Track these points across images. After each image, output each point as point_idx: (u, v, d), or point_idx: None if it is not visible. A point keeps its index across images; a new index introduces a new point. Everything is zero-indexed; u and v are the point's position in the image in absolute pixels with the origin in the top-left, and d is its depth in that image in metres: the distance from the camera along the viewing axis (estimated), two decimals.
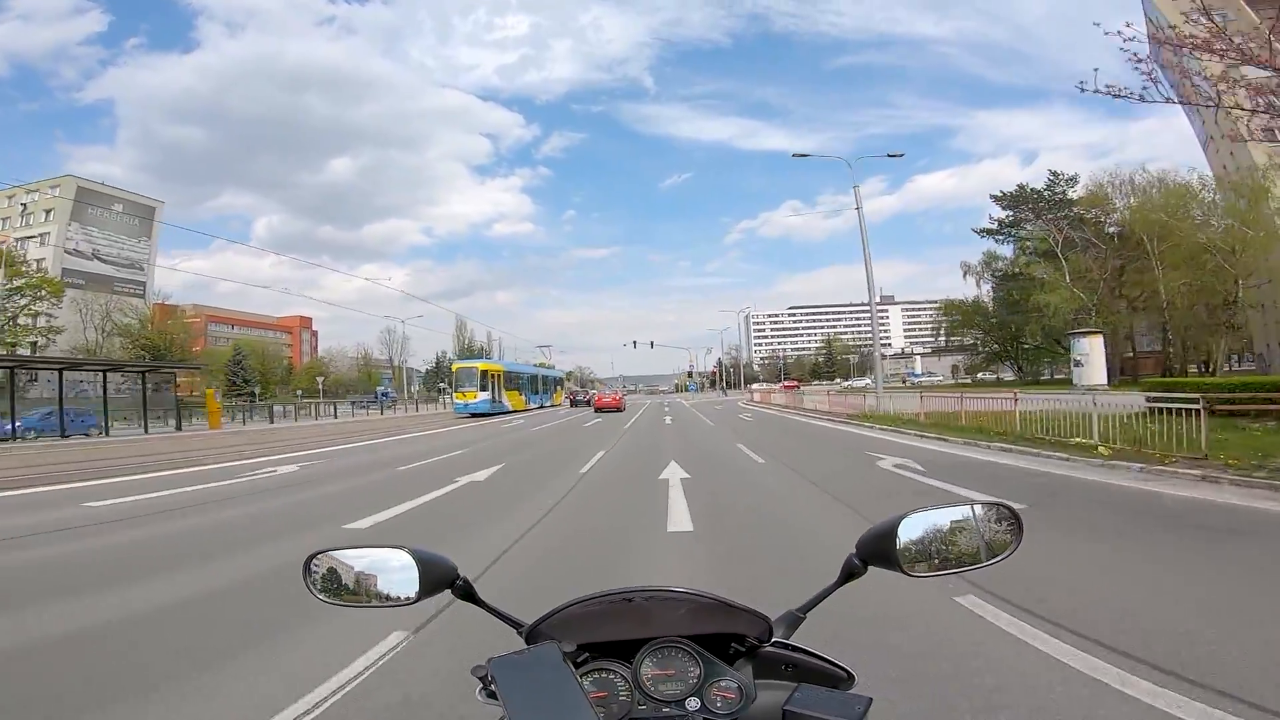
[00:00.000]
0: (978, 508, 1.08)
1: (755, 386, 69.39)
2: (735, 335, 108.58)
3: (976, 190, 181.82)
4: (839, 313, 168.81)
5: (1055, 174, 57.05)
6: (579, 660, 1.02)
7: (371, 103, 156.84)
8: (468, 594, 1.06)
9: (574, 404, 53.99)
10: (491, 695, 0.89)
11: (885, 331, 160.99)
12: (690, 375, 60.61)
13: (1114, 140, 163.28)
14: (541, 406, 50.81)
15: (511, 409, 43.54)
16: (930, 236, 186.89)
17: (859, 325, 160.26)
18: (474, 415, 38.94)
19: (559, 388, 60.34)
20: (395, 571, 1.03)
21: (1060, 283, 47.63)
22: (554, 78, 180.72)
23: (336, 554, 1.07)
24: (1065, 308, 46.30)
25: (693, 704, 0.97)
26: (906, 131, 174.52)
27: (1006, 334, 59.05)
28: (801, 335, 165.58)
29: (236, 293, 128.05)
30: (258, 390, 64.26)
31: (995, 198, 60.83)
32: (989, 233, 59.83)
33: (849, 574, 1.06)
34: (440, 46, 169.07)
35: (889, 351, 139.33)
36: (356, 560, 1.06)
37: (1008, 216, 57.77)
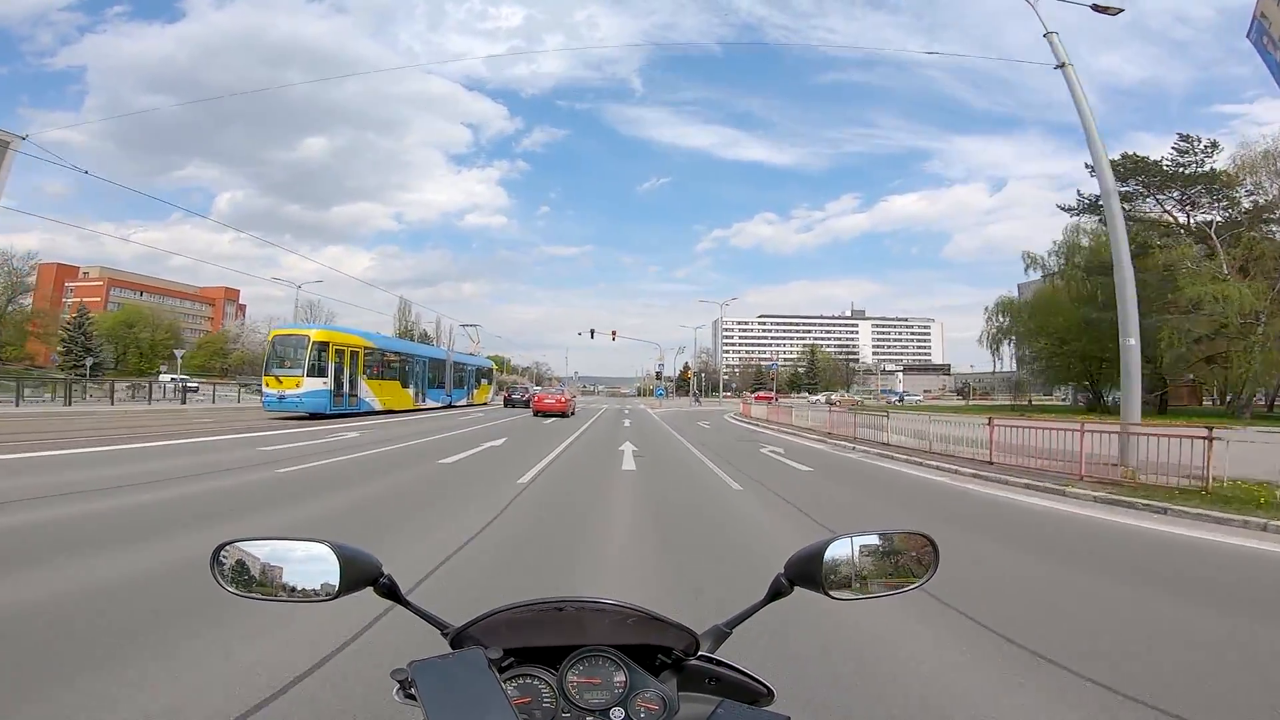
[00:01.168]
0: (898, 536, 1.09)
1: (749, 395, 59.01)
2: (704, 340, 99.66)
3: (944, 214, 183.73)
4: (809, 324, 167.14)
5: (1187, 138, 39.93)
6: (504, 665, 0.98)
7: (353, 83, 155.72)
8: (391, 593, 1.02)
9: (510, 403, 41.40)
10: (410, 698, 0.89)
11: (854, 347, 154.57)
12: (659, 377, 49.17)
13: (1080, 172, 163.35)
14: (450, 405, 37.06)
15: (381, 408, 28.75)
16: (897, 258, 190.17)
17: (831, 338, 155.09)
18: (311, 416, 23.63)
19: (486, 381, 46.89)
20: (314, 564, 0.98)
21: (1213, 274, 34.52)
22: (542, 72, 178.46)
23: (249, 544, 1.01)
24: (1236, 303, 32.56)
25: (617, 714, 0.95)
26: (884, 152, 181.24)
27: (1086, 344, 41.57)
28: (770, 345, 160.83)
29: (189, 268, 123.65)
30: (94, 363, 51.50)
31: (1091, 167, 46.09)
32: (1085, 209, 42.88)
33: (775, 593, 1.06)
34: (430, 32, 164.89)
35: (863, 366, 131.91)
36: (272, 552, 1.01)
37: (1092, 198, 39.27)
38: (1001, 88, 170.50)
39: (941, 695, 3.00)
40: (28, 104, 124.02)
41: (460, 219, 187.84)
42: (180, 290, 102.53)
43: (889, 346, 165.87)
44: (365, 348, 27.96)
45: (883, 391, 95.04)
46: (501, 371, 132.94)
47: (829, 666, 3.24)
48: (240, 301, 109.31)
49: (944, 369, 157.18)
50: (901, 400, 69.63)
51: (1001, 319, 49.81)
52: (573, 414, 34.39)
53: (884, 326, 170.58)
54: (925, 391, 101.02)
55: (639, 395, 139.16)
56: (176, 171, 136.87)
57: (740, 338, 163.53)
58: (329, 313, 70.21)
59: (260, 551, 1.01)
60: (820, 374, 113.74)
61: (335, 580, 0.97)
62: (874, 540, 1.07)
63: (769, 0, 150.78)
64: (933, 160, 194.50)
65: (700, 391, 57.13)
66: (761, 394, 73.72)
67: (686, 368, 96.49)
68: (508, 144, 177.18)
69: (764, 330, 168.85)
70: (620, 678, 0.98)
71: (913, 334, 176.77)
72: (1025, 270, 48.68)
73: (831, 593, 1.03)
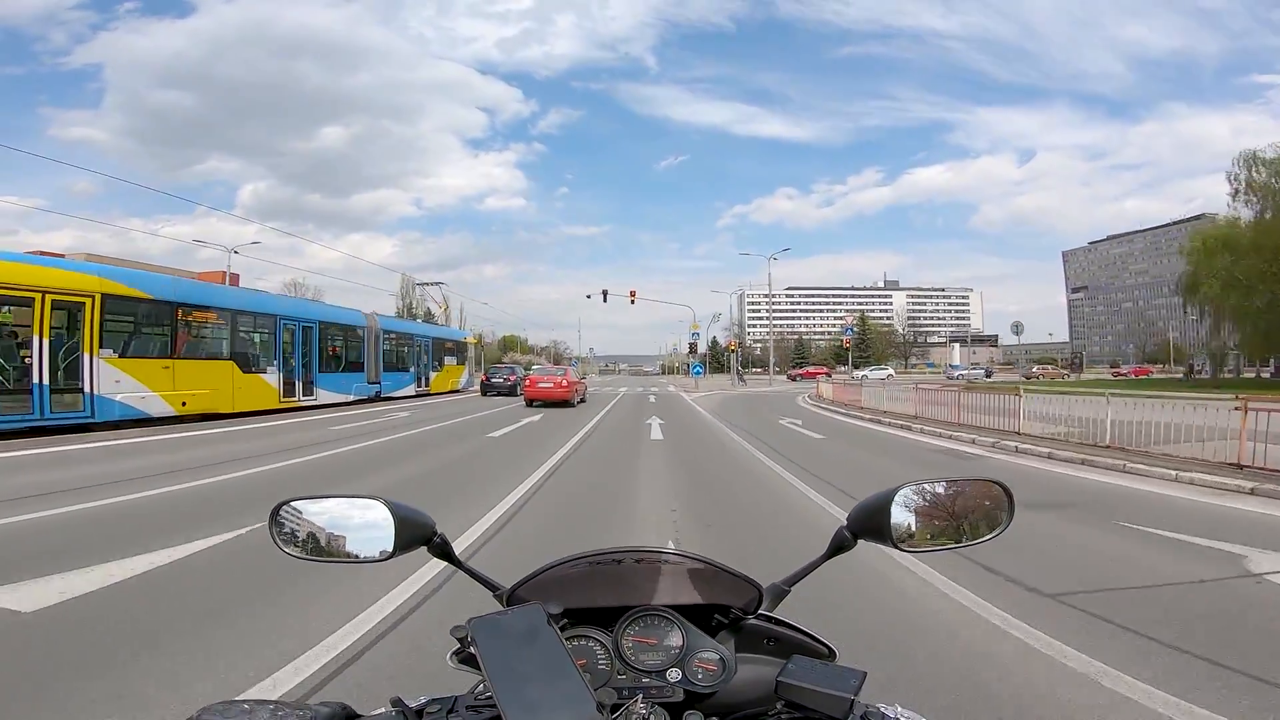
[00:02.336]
0: (971, 484, 1.04)
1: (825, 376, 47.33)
2: (728, 316, 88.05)
3: (970, 186, 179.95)
4: (840, 295, 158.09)
5: None
6: (560, 625, 0.91)
7: (366, 71, 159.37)
8: (444, 553, 1.00)
9: (489, 388, 29.24)
10: (465, 661, 0.89)
11: (889, 318, 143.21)
12: (693, 350, 37.45)
13: (1113, 142, 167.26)
14: (379, 397, 24.68)
15: (170, 408, 15.30)
16: (921, 230, 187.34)
17: (863, 310, 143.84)
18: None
19: (454, 360, 33.26)
20: (369, 526, 0.95)
21: None
22: (556, 53, 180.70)
23: (305, 504, 0.99)
24: None
25: (674, 675, 0.92)
26: (905, 124, 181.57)
27: None
28: (800, 319, 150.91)
29: (216, 259, 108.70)
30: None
31: None
32: None
33: (838, 546, 1.01)
34: (440, 17, 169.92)
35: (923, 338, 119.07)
36: (328, 511, 0.98)
37: None
38: (1024, 58, 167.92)
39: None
40: (47, 103, 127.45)
41: (479, 202, 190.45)
42: (175, 274, 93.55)
43: (925, 317, 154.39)
44: (106, 294, 13.87)
45: (951, 367, 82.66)
46: (515, 351, 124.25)
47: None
48: (241, 286, 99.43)
49: (992, 340, 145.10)
50: (988, 375, 57.24)
51: (1214, 257, 32.46)
52: (581, 402, 24.14)
53: (919, 297, 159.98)
54: (991, 364, 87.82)
55: (663, 373, 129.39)
56: (198, 165, 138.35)
57: (767, 312, 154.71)
58: (316, 289, 61.18)
59: (319, 511, 0.99)
60: (872, 346, 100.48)
61: (390, 539, 0.94)
62: (943, 489, 1.01)
63: None
64: (956, 132, 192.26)
65: (738, 368, 45.80)
66: (810, 369, 62.18)
67: (715, 343, 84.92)
68: (523, 127, 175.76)
69: (792, 304, 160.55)
70: (676, 638, 0.95)
71: (950, 304, 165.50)
72: (1233, 197, 34.07)
73: (900, 545, 0.97)
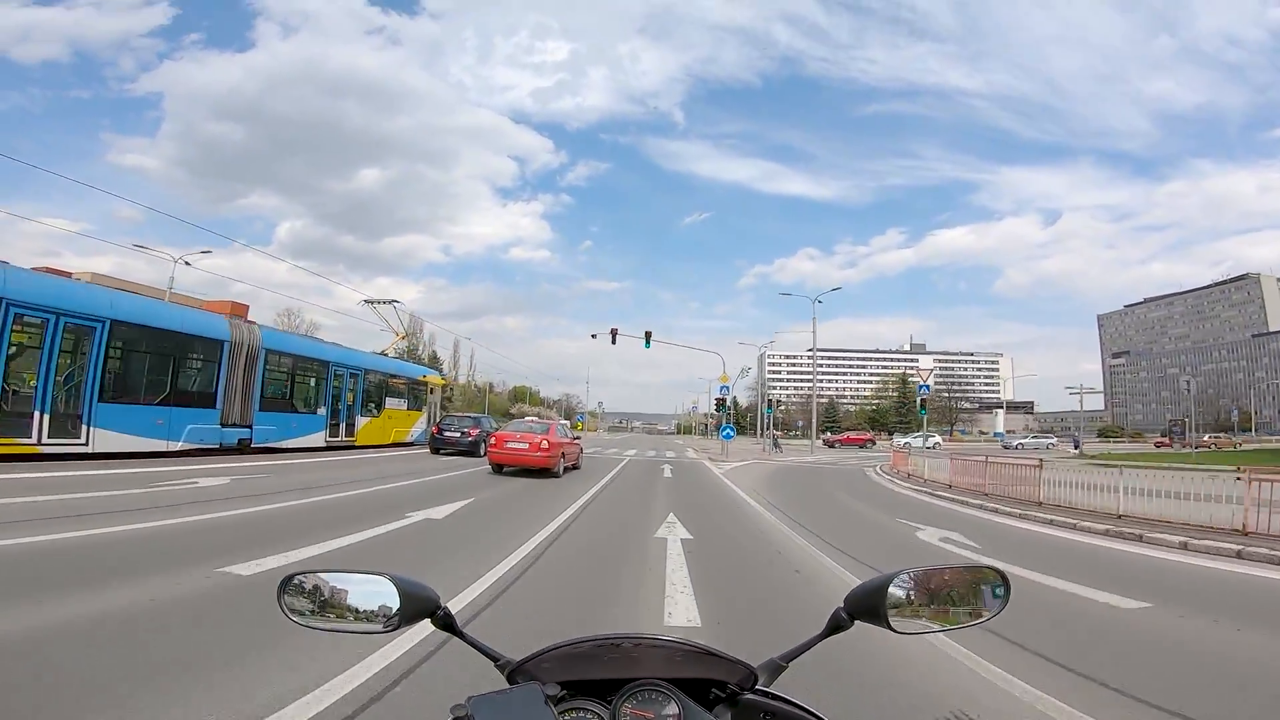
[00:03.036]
0: (966, 569, 1.06)
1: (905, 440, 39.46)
2: (747, 377, 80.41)
3: (994, 249, 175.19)
4: (865, 358, 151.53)
5: None
6: (557, 699, 0.95)
7: (406, 115, 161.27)
8: (448, 625, 1.02)
9: (440, 446, 21.19)
10: None
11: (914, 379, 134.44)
12: (721, 406, 29.21)
13: (1139, 202, 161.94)
14: (245, 447, 16.89)
15: None
16: (944, 294, 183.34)
17: (888, 373, 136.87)
18: None
19: (404, 404, 25.16)
20: (374, 597, 0.98)
21: None
22: (587, 105, 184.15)
23: (315, 576, 1.01)
24: None
25: None
26: (928, 184, 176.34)
27: None
28: (823, 383, 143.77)
29: (249, 294, 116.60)
30: None
31: None
32: None
33: (835, 626, 1.02)
34: (479, 65, 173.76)
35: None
36: (334, 583, 1.01)
37: None
38: (1049, 115, 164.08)
39: None
40: (109, 128, 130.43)
41: (505, 252, 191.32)
42: (183, 304, 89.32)
43: (953, 383, 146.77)
44: None
45: (998, 435, 73.59)
46: (524, 402, 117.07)
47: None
48: (249, 319, 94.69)
49: (1027, 406, 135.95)
50: (1076, 448, 48.21)
51: None
52: (570, 469, 17.50)
53: (947, 361, 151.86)
54: (1031, 430, 78.23)
55: (678, 433, 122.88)
56: (241, 200, 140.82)
57: (789, 373, 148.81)
58: (310, 323, 54.56)
59: (326, 582, 1.01)
60: (913, 411, 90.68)
61: (395, 611, 0.97)
62: (940, 573, 1.04)
63: (808, 33, 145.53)
64: (980, 192, 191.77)
65: (774, 431, 37.56)
66: (851, 435, 53.66)
67: (736, 404, 76.36)
68: (552, 177, 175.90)
69: (800, 371, 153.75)
70: (673, 712, 0.95)
71: (979, 369, 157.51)
72: None
73: (895, 626, 0.98)
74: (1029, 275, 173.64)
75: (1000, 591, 1.03)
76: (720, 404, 31.24)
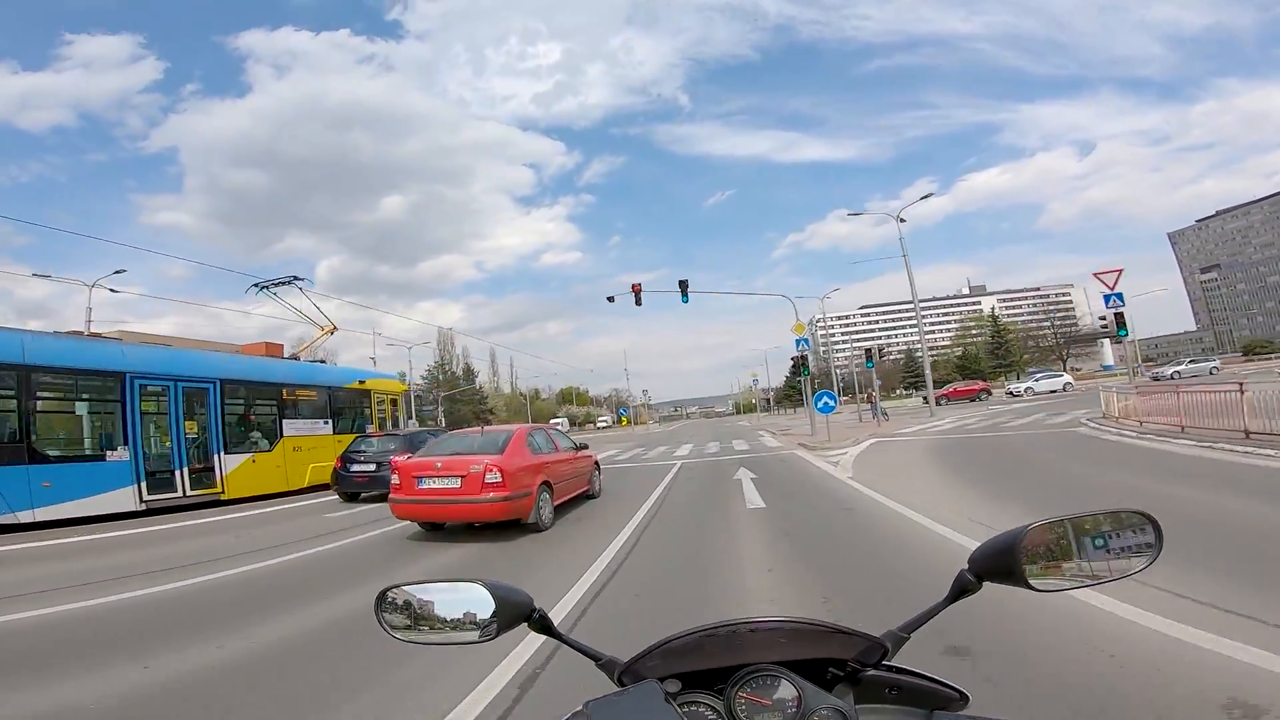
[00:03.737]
0: (1108, 516, 0.96)
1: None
2: (788, 347, 70.15)
3: (1032, 186, 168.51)
4: (922, 308, 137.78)
5: None
6: (671, 693, 0.91)
7: (414, 138, 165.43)
8: (545, 628, 1.00)
9: (347, 487, 12.62)
10: None
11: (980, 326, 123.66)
12: (802, 365, 19.53)
13: (1174, 125, 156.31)
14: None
15: None
16: (987, 237, 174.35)
17: (950, 321, 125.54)
18: None
19: (329, 425, 16.36)
20: (470, 606, 0.97)
21: None
22: (590, 103, 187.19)
23: (410, 589, 1.00)
24: None
25: None
26: (947, 131, 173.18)
27: None
28: (879, 337, 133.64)
29: (306, 335, 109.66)
30: None
31: None
32: None
33: (961, 590, 0.95)
34: (475, 79, 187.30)
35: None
36: (431, 595, 0.99)
37: None
38: (1057, 50, 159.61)
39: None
40: (136, 189, 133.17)
41: (536, 260, 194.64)
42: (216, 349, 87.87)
43: (1022, 323, 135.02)
44: None
45: (1104, 368, 61.51)
46: (571, 404, 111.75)
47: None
48: (286, 355, 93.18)
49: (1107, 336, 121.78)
50: (1215, 371, 37.01)
51: None
52: (591, 492, 10.48)
53: (1013, 300, 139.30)
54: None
55: (737, 412, 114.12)
56: (278, 244, 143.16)
57: (843, 334, 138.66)
58: (329, 350, 47.31)
59: (423, 595, 0.99)
60: (1013, 351, 78.17)
61: (492, 619, 0.96)
62: (1079, 523, 0.94)
63: None
64: (1005, 132, 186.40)
65: (874, 394, 28.03)
66: (959, 388, 43.54)
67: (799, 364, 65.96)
68: (569, 179, 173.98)
69: (870, 322, 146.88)
70: (791, 695, 0.90)
71: (1050, 305, 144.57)
72: None
73: (1033, 584, 0.90)
74: (1074, 207, 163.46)
75: (1150, 539, 0.93)
76: (799, 365, 22.01)
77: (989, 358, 76.32)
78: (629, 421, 69.25)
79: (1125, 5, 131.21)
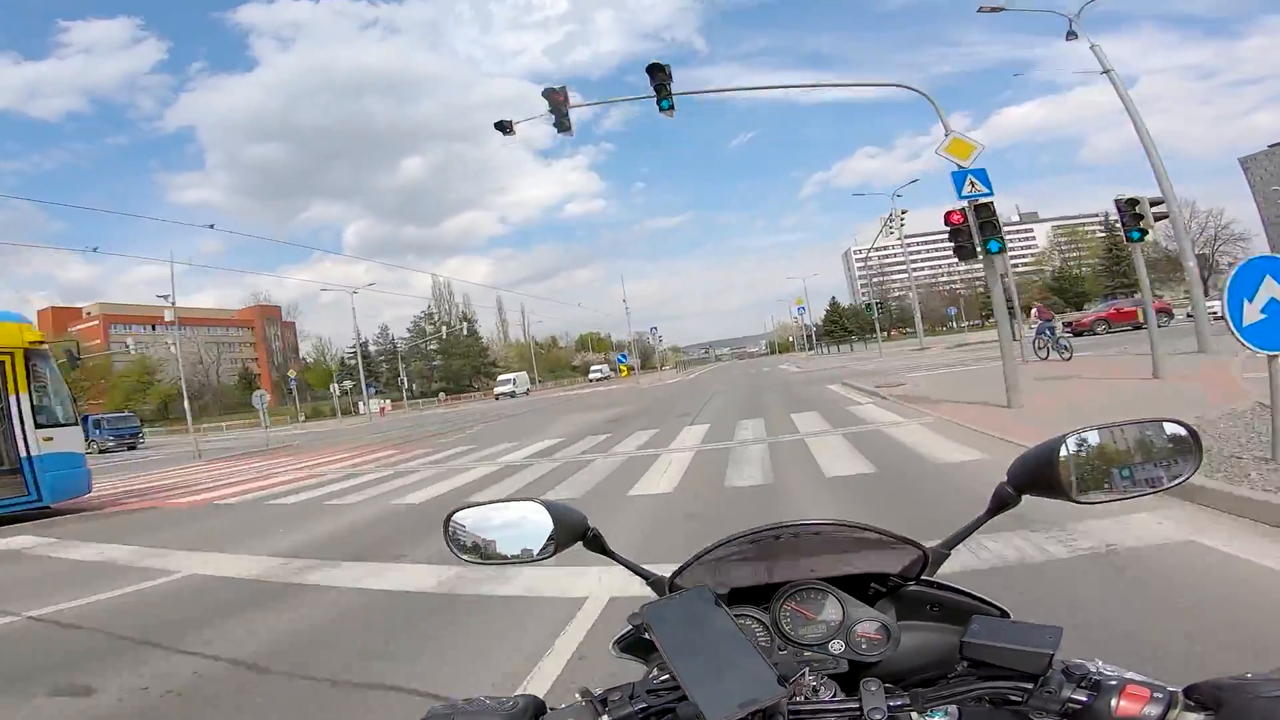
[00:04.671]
0: (1149, 427, 0.91)
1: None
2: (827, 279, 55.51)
3: (1071, 119, 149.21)
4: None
5: None
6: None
7: (427, 99, 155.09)
8: (601, 547, 1.01)
9: None
10: (627, 649, 0.94)
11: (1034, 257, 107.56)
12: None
13: (1221, 60, 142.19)
14: None
15: None
16: (1024, 170, 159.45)
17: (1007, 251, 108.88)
18: None
19: None
20: (530, 525, 0.99)
21: None
22: (603, 51, 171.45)
23: (472, 512, 1.03)
24: None
25: (836, 647, 0.88)
26: (980, 67, 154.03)
27: None
28: (923, 270, 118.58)
29: (338, 302, 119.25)
30: None
31: None
32: None
33: (1001, 504, 0.92)
34: (484, 35, 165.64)
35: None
36: (492, 516, 1.02)
37: None
38: None
39: None
40: (159, 168, 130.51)
41: (560, 210, 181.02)
42: (207, 318, 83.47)
43: (1080, 251, 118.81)
44: None
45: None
46: (589, 350, 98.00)
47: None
48: (287, 318, 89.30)
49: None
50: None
51: None
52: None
53: (1069, 226, 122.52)
54: None
55: (771, 352, 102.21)
56: (304, 213, 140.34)
57: (886, 267, 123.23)
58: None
59: (485, 516, 1.02)
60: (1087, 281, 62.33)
61: (550, 537, 0.97)
62: (1117, 433, 0.90)
63: None
64: (1040, 68, 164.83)
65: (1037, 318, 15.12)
66: (1118, 309, 29.12)
67: (835, 305, 50.04)
68: (588, 129, 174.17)
69: (914, 254, 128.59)
70: (835, 610, 0.91)
71: (1108, 231, 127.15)
72: None
73: (1076, 497, 0.87)
74: (1118, 141, 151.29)
75: (1189, 448, 0.89)
76: (969, 223, 8.55)
77: (1106, 277, 61.21)
78: (630, 371, 55.15)
79: None
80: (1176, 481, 0.89)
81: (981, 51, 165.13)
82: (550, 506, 0.99)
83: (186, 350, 52.54)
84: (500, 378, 61.26)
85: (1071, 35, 17.29)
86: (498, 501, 1.02)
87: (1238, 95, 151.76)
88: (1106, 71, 17.38)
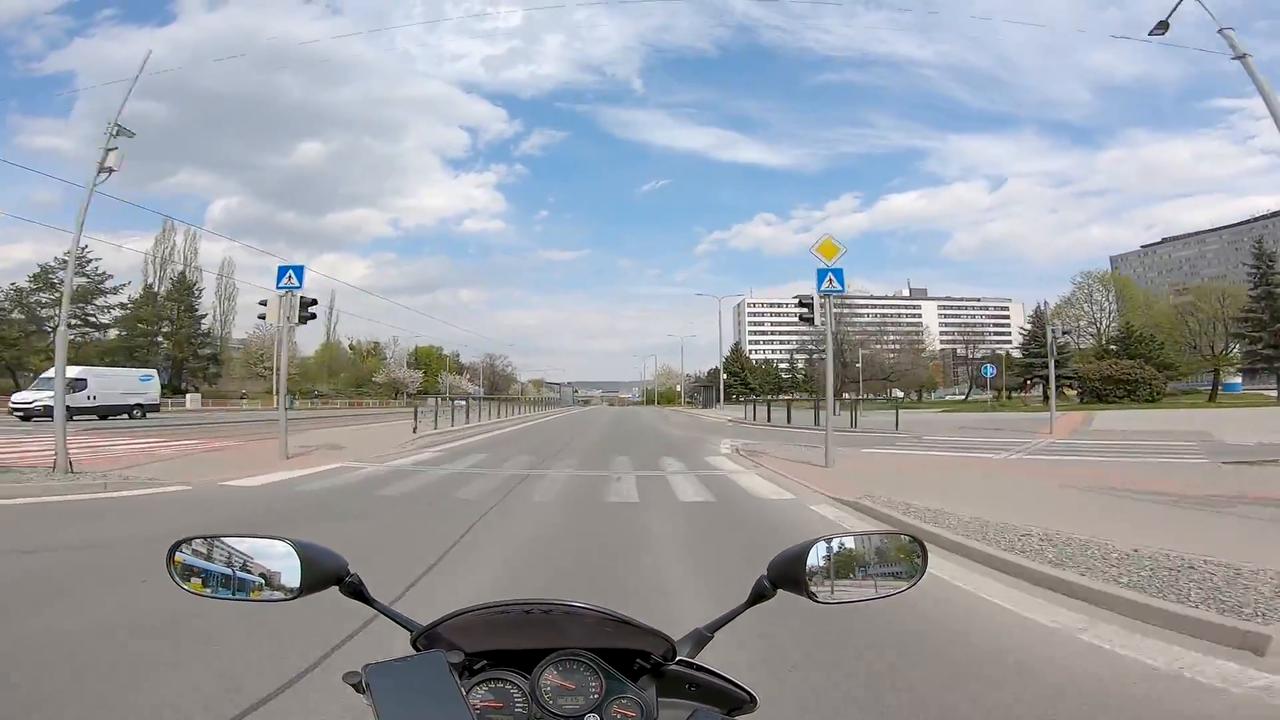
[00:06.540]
0: (884, 538, 1.02)
1: None
2: (708, 336, 59.40)
3: (943, 212, 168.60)
4: (858, 306, 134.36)
5: None
6: (475, 668, 0.92)
7: (349, 86, 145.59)
8: (357, 592, 0.96)
9: None
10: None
11: (920, 331, 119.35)
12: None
13: (1079, 169, 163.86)
14: None
15: None
16: (895, 258, 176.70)
17: (889, 323, 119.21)
18: None
19: None
20: (275, 561, 0.93)
21: None
22: (541, 74, 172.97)
23: (208, 542, 0.95)
24: None
25: None
26: (880, 151, 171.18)
27: None
28: (803, 338, 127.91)
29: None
30: None
31: None
32: None
33: (759, 595, 0.99)
34: (427, 33, 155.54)
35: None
36: (230, 550, 0.94)
37: None
38: (996, 86, 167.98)
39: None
40: (18, 109, 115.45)
41: (458, 224, 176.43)
42: None
43: (960, 333, 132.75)
44: None
45: None
46: (421, 370, 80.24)
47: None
48: None
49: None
50: None
51: None
52: None
53: (953, 308, 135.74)
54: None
55: (646, 403, 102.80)
56: (169, 179, 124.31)
57: (773, 326, 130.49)
58: None
59: (218, 549, 0.95)
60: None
61: (297, 579, 0.92)
62: (857, 541, 0.99)
63: (763, 2, 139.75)
64: (929, 159, 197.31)
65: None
66: None
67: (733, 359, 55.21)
68: (506, 148, 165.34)
69: (793, 324, 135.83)
70: (596, 683, 0.89)
71: (988, 317, 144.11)
72: None
73: (816, 595, 0.95)
74: (976, 238, 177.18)
75: (918, 559, 0.99)
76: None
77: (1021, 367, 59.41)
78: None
79: (1069, 48, 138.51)
80: (903, 588, 0.99)
81: (887, 136, 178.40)
82: (300, 546, 0.93)
83: None
84: (41, 376, 29.59)
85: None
86: (238, 535, 0.96)
87: (1082, 206, 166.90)
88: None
